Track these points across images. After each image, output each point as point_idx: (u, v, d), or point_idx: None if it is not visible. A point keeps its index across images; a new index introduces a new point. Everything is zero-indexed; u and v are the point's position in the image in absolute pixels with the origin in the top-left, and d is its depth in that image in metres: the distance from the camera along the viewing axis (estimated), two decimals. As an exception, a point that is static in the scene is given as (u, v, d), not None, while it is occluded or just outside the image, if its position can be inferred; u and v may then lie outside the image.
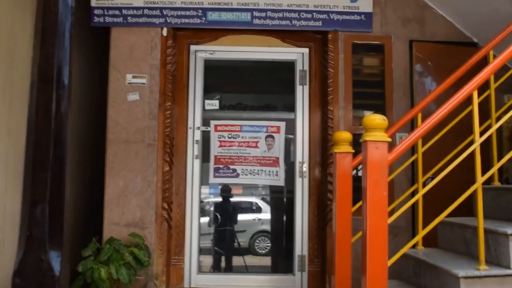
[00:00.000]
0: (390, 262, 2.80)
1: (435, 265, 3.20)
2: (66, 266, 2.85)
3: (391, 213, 2.92)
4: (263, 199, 5.98)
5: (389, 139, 2.78)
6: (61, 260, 2.79)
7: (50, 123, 2.84)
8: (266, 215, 5.90)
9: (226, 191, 5.15)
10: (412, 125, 4.38)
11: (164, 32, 4.53)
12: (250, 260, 5.61)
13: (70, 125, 2.99)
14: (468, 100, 3.10)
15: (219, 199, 5.21)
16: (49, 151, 2.84)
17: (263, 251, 5.88)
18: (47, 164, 2.84)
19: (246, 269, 5.21)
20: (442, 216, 3.10)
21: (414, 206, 3.98)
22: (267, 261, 5.67)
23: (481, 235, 2.97)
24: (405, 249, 3.11)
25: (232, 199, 5.26)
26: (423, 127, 2.93)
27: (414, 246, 3.59)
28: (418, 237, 3.39)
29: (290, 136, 4.78)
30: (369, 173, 2.71)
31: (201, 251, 4.73)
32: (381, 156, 2.72)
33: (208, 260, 5.03)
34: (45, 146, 2.85)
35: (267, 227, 5.87)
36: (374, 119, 2.74)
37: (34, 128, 2.89)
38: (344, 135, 3.50)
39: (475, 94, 3.06)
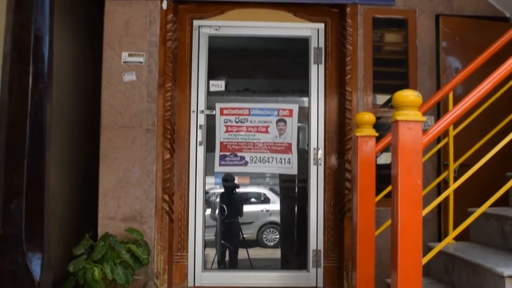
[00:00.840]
0: (425, 260, 2.56)
1: (473, 262, 2.87)
2: (48, 270, 2.44)
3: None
4: (271, 189, 5.78)
5: (424, 118, 2.43)
6: (42, 263, 2.39)
7: (26, 102, 2.41)
8: (274, 206, 5.71)
9: (228, 180, 4.86)
10: (438, 107, 4.13)
11: (164, 5, 4.15)
12: (258, 252, 5.48)
13: (51, 105, 2.57)
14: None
15: (223, 189, 4.91)
16: (25, 135, 2.40)
17: (272, 243, 5.74)
18: (23, 150, 2.41)
19: (250, 263, 4.91)
20: (482, 209, 2.84)
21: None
22: (275, 253, 5.38)
23: (529, 228, 2.63)
24: (441, 246, 2.81)
25: (237, 190, 4.98)
26: (464, 104, 2.55)
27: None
28: (454, 234, 3.06)
29: (303, 123, 4.46)
30: (400, 158, 2.36)
31: (206, 245, 4.41)
32: (415, 138, 2.36)
33: (213, 255, 4.72)
34: (20, 128, 2.40)
35: (276, 218, 5.69)
36: (407, 95, 2.37)
37: (7, 108, 2.44)
38: (367, 117, 3.15)
39: (523, 66, 2.71)
